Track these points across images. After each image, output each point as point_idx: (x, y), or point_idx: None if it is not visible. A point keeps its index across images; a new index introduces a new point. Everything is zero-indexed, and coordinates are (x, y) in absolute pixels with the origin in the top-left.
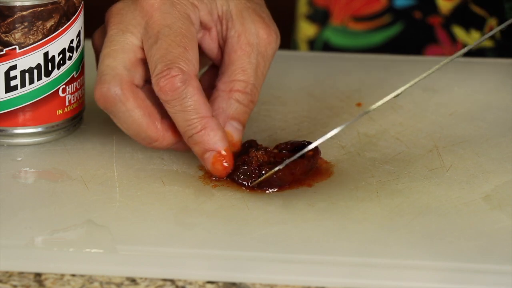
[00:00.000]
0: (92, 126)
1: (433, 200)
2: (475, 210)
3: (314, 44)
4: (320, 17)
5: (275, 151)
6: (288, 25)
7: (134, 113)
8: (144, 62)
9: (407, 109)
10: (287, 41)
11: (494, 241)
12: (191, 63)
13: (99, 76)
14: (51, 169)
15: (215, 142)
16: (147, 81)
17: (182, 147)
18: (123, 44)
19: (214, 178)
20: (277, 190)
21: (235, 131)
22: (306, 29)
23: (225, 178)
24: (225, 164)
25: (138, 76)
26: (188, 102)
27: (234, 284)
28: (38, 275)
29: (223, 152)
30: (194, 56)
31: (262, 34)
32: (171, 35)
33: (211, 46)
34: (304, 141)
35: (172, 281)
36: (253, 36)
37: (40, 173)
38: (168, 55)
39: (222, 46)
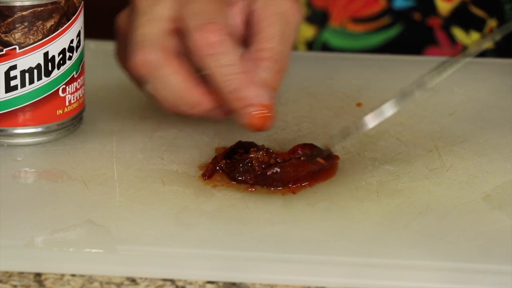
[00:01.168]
0: (92, 126)
1: (433, 200)
2: (475, 210)
3: (312, 46)
4: (319, 18)
5: (280, 152)
6: None
7: (175, 77)
8: (175, 33)
9: (407, 109)
10: None
11: (494, 241)
12: (226, 19)
13: (135, 44)
14: (51, 169)
15: (255, 96)
16: (177, 53)
17: (218, 114)
18: (155, 14)
19: (205, 178)
20: (280, 189)
21: (268, 98)
22: (304, 31)
23: (225, 176)
24: (268, 115)
25: (172, 45)
26: (228, 57)
27: (234, 284)
28: (38, 275)
29: (263, 105)
30: (227, 15)
31: (286, 3)
32: None
33: (236, 21)
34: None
35: (172, 281)
36: (277, 6)
37: (40, 173)
38: (206, 11)
39: (246, 21)
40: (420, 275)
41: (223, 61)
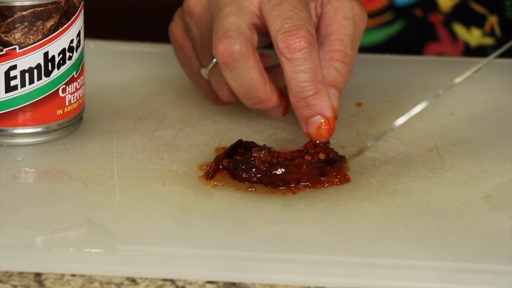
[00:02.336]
0: (92, 126)
1: (433, 200)
2: (475, 210)
3: None
4: None
5: (281, 151)
6: None
7: (253, 71)
8: (257, 28)
9: (407, 109)
10: None
11: (494, 241)
12: (314, 29)
13: (223, 32)
14: (51, 169)
15: (326, 107)
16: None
17: (278, 113)
18: (243, 7)
19: (208, 178)
20: (281, 189)
21: (333, 98)
22: None
23: (226, 173)
24: (330, 130)
25: (255, 40)
26: (311, 64)
27: (234, 284)
28: (38, 275)
29: (330, 118)
30: (313, 25)
31: (357, 9)
32: (295, 0)
33: None
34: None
35: (172, 281)
36: (349, 10)
37: (40, 173)
38: (295, 16)
39: (315, 23)
40: (420, 275)
41: (303, 68)
